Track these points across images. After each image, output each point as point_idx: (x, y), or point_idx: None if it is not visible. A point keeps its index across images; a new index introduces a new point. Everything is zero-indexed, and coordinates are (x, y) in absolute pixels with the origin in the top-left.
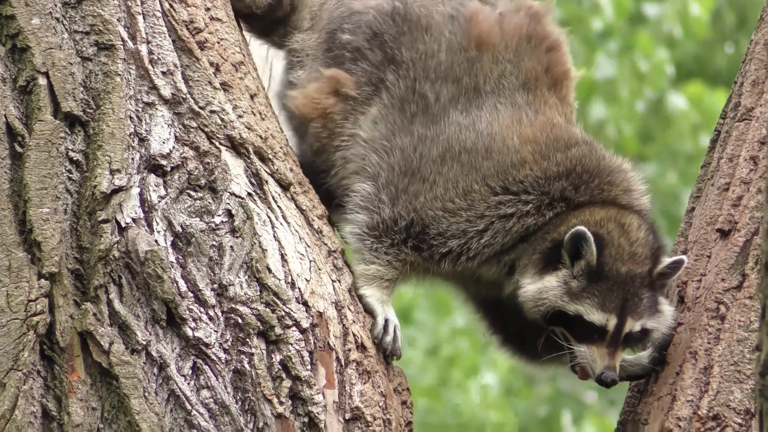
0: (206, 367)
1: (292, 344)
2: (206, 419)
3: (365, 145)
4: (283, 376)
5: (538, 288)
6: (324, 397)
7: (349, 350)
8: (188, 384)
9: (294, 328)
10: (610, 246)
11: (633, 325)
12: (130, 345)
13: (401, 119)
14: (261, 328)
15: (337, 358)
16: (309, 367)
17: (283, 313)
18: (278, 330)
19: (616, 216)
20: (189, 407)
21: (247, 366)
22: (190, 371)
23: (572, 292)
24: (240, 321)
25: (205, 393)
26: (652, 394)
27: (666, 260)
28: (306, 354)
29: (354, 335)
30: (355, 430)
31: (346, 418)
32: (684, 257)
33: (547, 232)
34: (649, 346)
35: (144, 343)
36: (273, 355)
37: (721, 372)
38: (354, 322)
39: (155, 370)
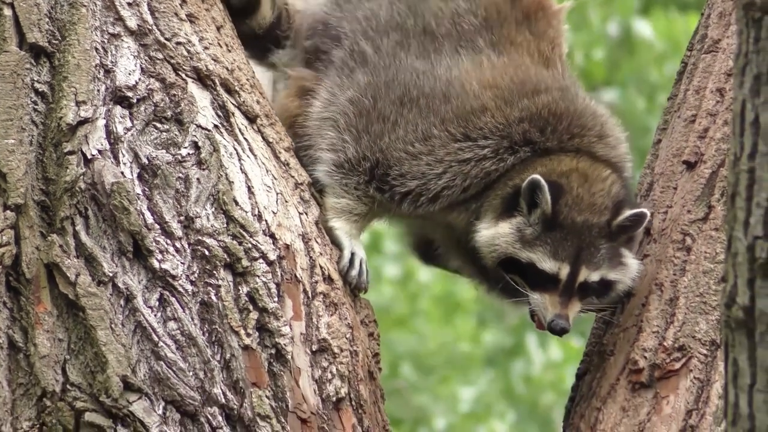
0: (173, 299)
1: (259, 276)
2: (173, 350)
3: (316, 118)
4: (250, 307)
5: (492, 234)
6: (291, 328)
7: (316, 282)
8: (155, 315)
9: (261, 261)
10: (567, 195)
11: (588, 275)
12: (97, 277)
13: (340, 78)
14: (228, 260)
15: (304, 290)
16: (276, 299)
17: (250, 246)
18: (245, 262)
19: (583, 165)
20: (156, 339)
21: (213, 298)
22: (157, 303)
23: (525, 240)
24: (207, 253)
25: (171, 325)
26: (618, 326)
27: (626, 212)
28: (273, 286)
29: (321, 267)
30: (322, 362)
31: (313, 349)
32: (646, 210)
33: (510, 179)
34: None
35: (110, 274)
36: (240, 287)
37: (686, 303)
38: (321, 254)
39: (122, 302)
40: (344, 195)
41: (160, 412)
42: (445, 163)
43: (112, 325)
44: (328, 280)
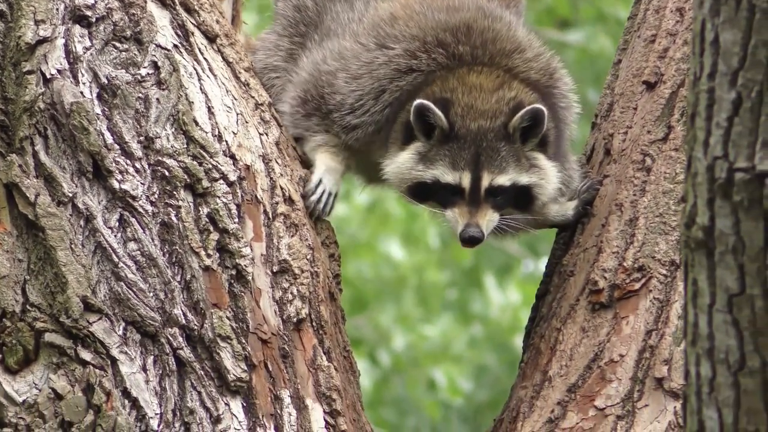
0: (133, 220)
1: (219, 197)
2: (133, 271)
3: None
4: (211, 228)
5: (396, 165)
6: (251, 249)
7: (277, 203)
8: (115, 236)
9: (221, 181)
10: (455, 105)
11: (493, 179)
12: (57, 197)
13: (286, 58)
14: (188, 180)
15: (265, 211)
16: (236, 220)
17: (210, 166)
18: (205, 183)
19: (477, 76)
20: (116, 259)
21: (174, 219)
22: (117, 224)
23: (426, 160)
24: (167, 174)
25: (132, 245)
26: (578, 246)
27: (520, 112)
28: (233, 207)
29: (281, 188)
30: (283, 283)
31: (274, 270)
32: (539, 106)
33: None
34: (545, 202)
35: (70, 195)
36: (200, 208)
37: (646, 224)
38: (281, 175)
39: (82, 222)
40: (314, 134)
41: (121, 332)
42: (359, 74)
43: (72, 246)
44: (289, 201)
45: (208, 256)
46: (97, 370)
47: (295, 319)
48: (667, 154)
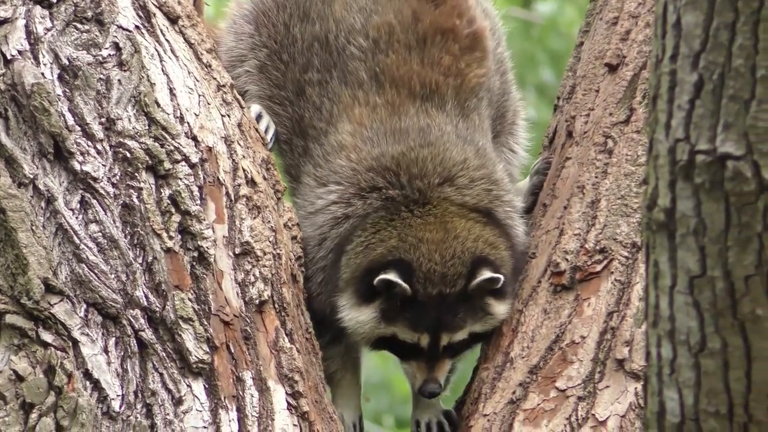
0: (94, 201)
1: (181, 179)
2: (95, 253)
3: None
4: (173, 210)
5: (357, 320)
6: (214, 231)
7: (239, 185)
8: (76, 218)
9: (183, 163)
10: (417, 271)
11: (451, 338)
12: (17, 178)
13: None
14: (150, 162)
15: (227, 193)
16: (198, 201)
17: (172, 148)
18: (167, 164)
19: (432, 229)
20: (77, 241)
21: (135, 200)
22: (78, 205)
23: (387, 317)
24: (128, 155)
25: (93, 227)
26: (540, 228)
27: (481, 276)
28: (195, 189)
29: (244, 170)
30: (245, 265)
31: (236, 252)
32: (499, 276)
33: (366, 247)
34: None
35: (31, 176)
36: (162, 190)
37: (608, 206)
38: (244, 157)
39: (43, 204)
40: None
41: (82, 314)
42: (304, 221)
43: (33, 227)
44: (251, 183)
45: (170, 237)
46: (58, 352)
47: (257, 301)
48: (629, 136)
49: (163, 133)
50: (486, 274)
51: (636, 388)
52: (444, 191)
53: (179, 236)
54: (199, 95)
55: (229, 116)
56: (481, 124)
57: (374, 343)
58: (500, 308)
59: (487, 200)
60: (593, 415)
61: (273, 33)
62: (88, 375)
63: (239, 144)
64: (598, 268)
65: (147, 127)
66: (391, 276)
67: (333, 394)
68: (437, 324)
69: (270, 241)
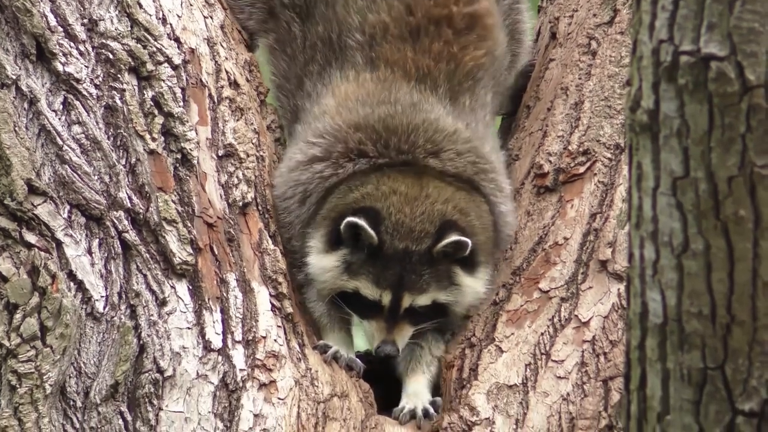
0: (77, 103)
1: (164, 80)
2: (78, 154)
3: None
4: (156, 112)
5: (321, 266)
6: (197, 133)
7: (222, 87)
8: (59, 119)
9: (166, 64)
10: (386, 220)
11: (414, 300)
12: (0, 79)
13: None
14: (132, 63)
15: (210, 95)
16: (181, 103)
17: (155, 49)
18: (150, 66)
19: (406, 185)
20: (60, 142)
21: (118, 102)
22: (61, 106)
23: (351, 270)
24: (111, 56)
25: (76, 128)
26: (524, 130)
27: (447, 239)
28: (178, 90)
29: (227, 72)
30: (229, 167)
31: (219, 154)
32: (465, 239)
33: (343, 194)
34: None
35: (14, 77)
36: (145, 91)
37: (591, 107)
38: (227, 59)
39: (25, 105)
40: None
41: (65, 215)
42: (292, 179)
43: (16, 129)
44: (234, 84)
45: (153, 139)
46: (42, 253)
47: (240, 203)
48: (613, 37)
49: (146, 34)
50: (452, 237)
51: (619, 289)
52: (428, 159)
53: (162, 138)
54: None
55: (211, 18)
56: (475, 104)
57: (336, 298)
58: (467, 280)
59: (471, 171)
60: (576, 315)
61: (279, 27)
62: (72, 276)
63: (222, 46)
64: (582, 169)
65: (129, 29)
66: (359, 220)
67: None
68: (400, 282)
69: (253, 143)
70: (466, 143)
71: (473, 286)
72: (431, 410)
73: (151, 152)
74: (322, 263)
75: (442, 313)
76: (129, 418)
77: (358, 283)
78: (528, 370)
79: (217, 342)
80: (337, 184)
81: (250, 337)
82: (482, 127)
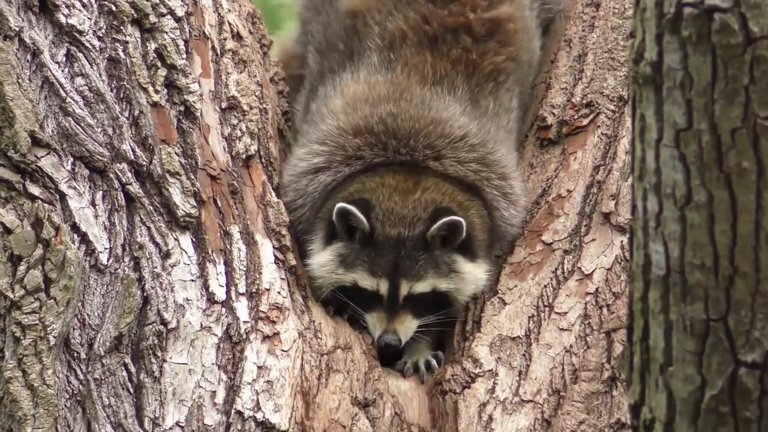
0: (80, 55)
1: (167, 33)
2: (81, 107)
3: None
4: (159, 64)
5: (318, 263)
6: (200, 86)
7: (225, 39)
8: (62, 71)
9: (169, 17)
10: (375, 208)
11: (412, 287)
12: (3, 31)
13: (298, 93)
14: (135, 15)
15: (213, 47)
16: (184, 55)
17: (158, 1)
18: (153, 18)
19: (397, 179)
20: (63, 94)
21: (121, 54)
22: (64, 58)
23: (347, 263)
24: (113, 8)
25: (79, 80)
26: None
27: (442, 220)
28: (181, 42)
29: (230, 24)
30: (232, 119)
31: (222, 107)
32: (457, 218)
33: (334, 198)
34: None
35: (16, 29)
36: (148, 44)
37: (595, 59)
38: (229, 11)
39: (28, 57)
40: None
41: (69, 167)
42: (296, 177)
43: (20, 81)
44: (237, 37)
45: (156, 92)
46: (45, 205)
47: (244, 156)
48: None
49: None
50: (446, 218)
51: (622, 242)
52: (428, 161)
53: (165, 90)
54: None
55: None
56: (499, 108)
57: (336, 292)
58: (468, 267)
59: (474, 178)
60: (579, 268)
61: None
62: (75, 228)
63: None
64: (585, 122)
65: None
66: (349, 206)
67: None
68: (396, 269)
69: (256, 96)
70: (472, 151)
71: (474, 272)
72: (434, 363)
73: (154, 104)
74: (319, 260)
75: (445, 304)
76: (133, 369)
77: (354, 274)
78: (531, 322)
79: (220, 294)
80: (335, 187)
81: (254, 290)
82: (503, 132)
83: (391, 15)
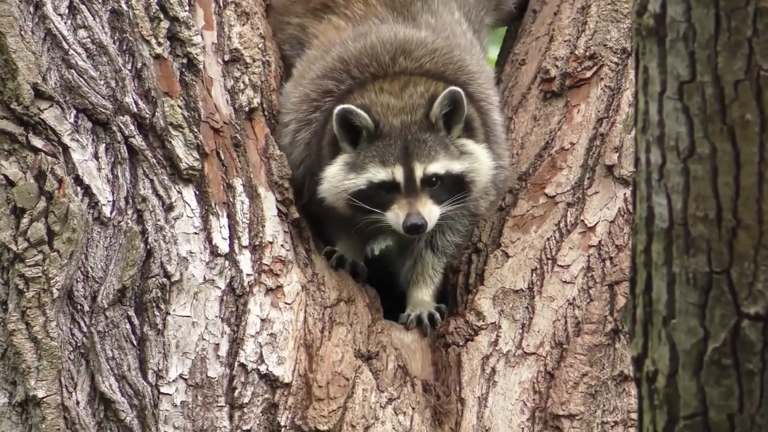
0: (83, 7)
1: None
2: (84, 59)
3: None
4: (161, 17)
5: (328, 181)
6: (203, 38)
7: None
8: (65, 23)
9: None
10: (375, 105)
11: (426, 168)
12: None
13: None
14: None
15: (216, 0)
16: (187, 7)
17: None
18: None
19: (391, 82)
20: (66, 47)
21: (124, 6)
22: (67, 11)
23: (356, 167)
24: None
25: (82, 33)
26: (530, 35)
27: (441, 95)
28: None
29: None
30: (234, 72)
31: (225, 59)
32: (455, 88)
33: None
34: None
35: None
36: None
37: (598, 11)
38: None
39: (31, 9)
40: None
41: (72, 120)
42: (292, 115)
43: (22, 33)
44: None
45: (159, 44)
46: (48, 157)
47: (247, 108)
48: None
49: None
50: (444, 92)
51: (625, 194)
52: (398, 60)
53: (168, 42)
54: None
55: None
56: (437, 23)
57: (354, 203)
58: (477, 148)
59: (452, 69)
60: (582, 220)
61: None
62: (78, 180)
63: None
64: (588, 74)
65: None
66: (349, 105)
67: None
68: (406, 153)
69: (259, 48)
70: (444, 55)
71: (484, 154)
72: (437, 315)
73: (157, 57)
74: (327, 177)
75: (462, 187)
76: (136, 322)
77: (367, 174)
78: (534, 275)
79: (223, 247)
80: (323, 125)
81: (257, 243)
82: (462, 40)
83: None
